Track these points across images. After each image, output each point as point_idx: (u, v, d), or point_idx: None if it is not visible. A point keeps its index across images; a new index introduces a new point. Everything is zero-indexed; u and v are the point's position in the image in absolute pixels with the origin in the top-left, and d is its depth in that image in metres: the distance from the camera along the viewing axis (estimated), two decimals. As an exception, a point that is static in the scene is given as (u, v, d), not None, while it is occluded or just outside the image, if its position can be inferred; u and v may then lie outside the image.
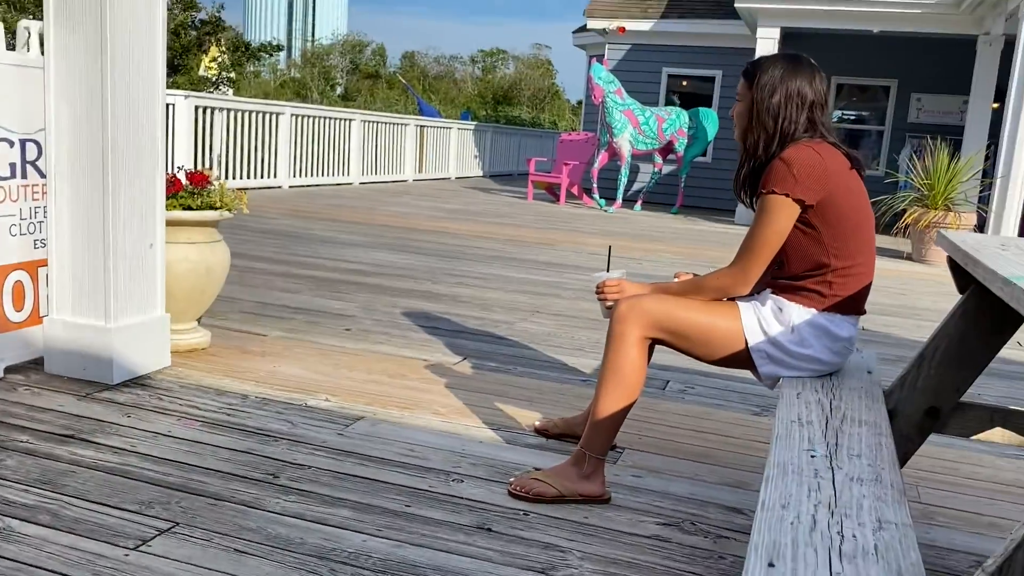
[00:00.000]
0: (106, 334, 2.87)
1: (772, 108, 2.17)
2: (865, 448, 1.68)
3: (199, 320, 3.51)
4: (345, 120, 12.70)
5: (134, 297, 2.97)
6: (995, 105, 10.81)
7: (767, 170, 2.14)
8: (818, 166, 2.08)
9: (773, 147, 2.18)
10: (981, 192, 9.30)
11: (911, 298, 6.09)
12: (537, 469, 2.38)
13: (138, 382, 2.93)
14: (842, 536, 1.28)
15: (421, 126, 15.07)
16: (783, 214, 2.11)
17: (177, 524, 1.96)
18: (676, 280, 2.35)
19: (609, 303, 2.34)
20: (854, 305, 2.18)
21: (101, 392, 2.81)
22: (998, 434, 2.19)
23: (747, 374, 3.54)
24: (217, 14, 14.45)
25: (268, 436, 2.54)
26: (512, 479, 2.31)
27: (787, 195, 2.09)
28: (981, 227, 8.96)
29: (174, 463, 2.30)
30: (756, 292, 2.38)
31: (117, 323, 2.90)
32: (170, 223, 3.17)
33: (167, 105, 9.22)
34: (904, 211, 8.59)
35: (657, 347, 2.33)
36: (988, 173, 9.19)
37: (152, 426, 2.55)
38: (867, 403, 1.98)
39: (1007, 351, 4.43)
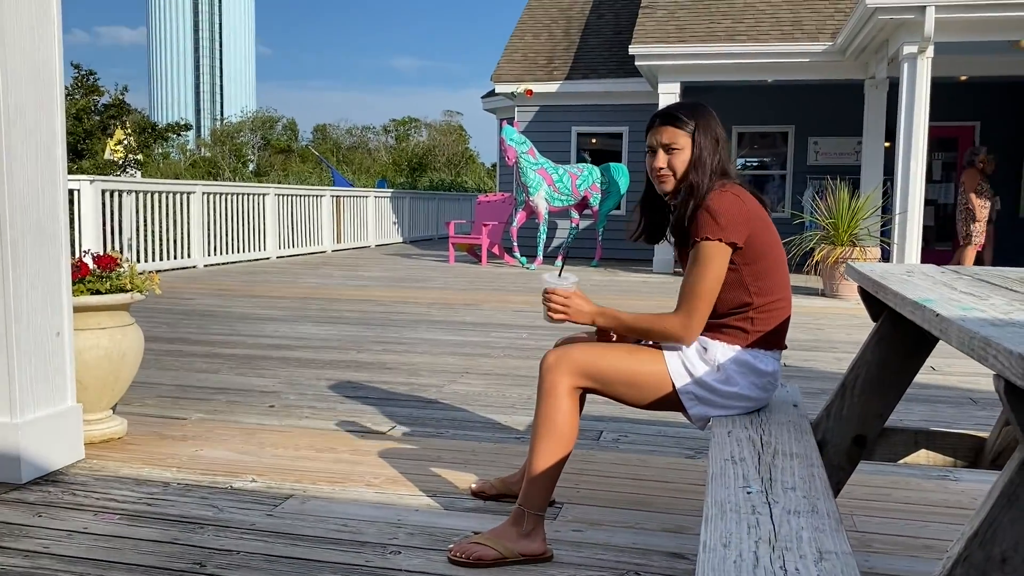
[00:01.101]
0: (12, 431, 2.72)
1: (712, 151, 2.21)
2: (799, 480, 1.69)
3: (114, 408, 3.36)
4: (259, 195, 12.57)
5: (42, 389, 2.82)
6: (887, 144, 11.39)
7: (695, 218, 2.16)
8: (741, 208, 2.14)
9: (713, 187, 2.21)
10: (883, 227, 9.72)
11: (827, 332, 6.27)
12: (476, 533, 2.33)
13: (50, 478, 2.77)
14: (785, 570, 1.28)
15: (337, 196, 15.02)
16: (719, 259, 2.14)
17: (97, 627, 1.84)
18: (614, 316, 2.30)
19: (556, 317, 2.28)
20: (775, 340, 2.22)
21: (8, 493, 2.64)
22: (923, 456, 2.24)
23: (679, 418, 3.57)
24: (121, 96, 14.21)
25: (192, 523, 2.42)
26: (451, 545, 2.25)
27: (719, 240, 2.12)
28: (886, 260, 9.34)
29: (91, 561, 2.16)
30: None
31: (24, 418, 2.74)
32: (78, 309, 3.05)
33: (72, 191, 9.01)
34: (813, 250, 8.90)
35: (590, 398, 2.32)
36: (887, 208, 9.62)
37: (66, 524, 2.40)
38: (796, 436, 2.01)
39: (923, 376, 4.58)
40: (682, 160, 2.23)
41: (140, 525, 2.40)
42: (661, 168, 2.25)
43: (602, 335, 2.40)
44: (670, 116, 2.25)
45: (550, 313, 2.29)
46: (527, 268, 11.85)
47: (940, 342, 2.17)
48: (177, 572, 2.11)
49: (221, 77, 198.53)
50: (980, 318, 1.31)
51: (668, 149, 2.24)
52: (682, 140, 2.22)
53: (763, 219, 2.19)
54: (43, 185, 2.81)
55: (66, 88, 13.57)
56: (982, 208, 9.88)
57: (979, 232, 9.93)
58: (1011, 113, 13.10)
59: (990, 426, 3.43)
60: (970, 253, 9.97)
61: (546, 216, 11.91)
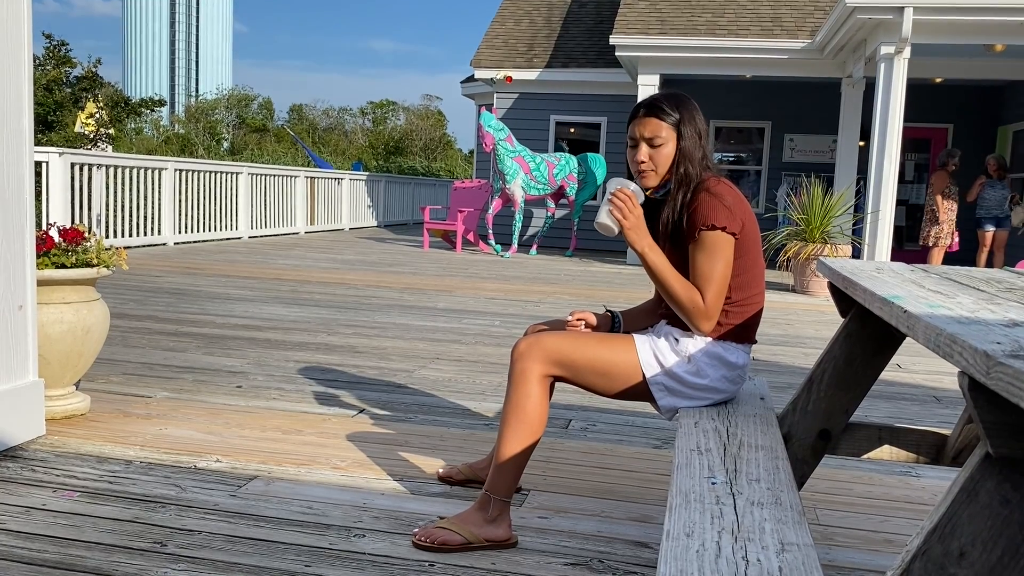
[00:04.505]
0: (-29, 404, 2.66)
1: (698, 143, 2.19)
2: (763, 472, 1.70)
3: (77, 384, 3.31)
4: (232, 173, 12.43)
5: (2, 363, 2.77)
6: (861, 143, 11.49)
7: (694, 208, 2.13)
8: (738, 198, 2.14)
9: (705, 179, 2.18)
10: (855, 225, 9.80)
11: (796, 328, 6.32)
12: (442, 518, 2.32)
13: (8, 454, 2.73)
14: (747, 561, 1.29)
15: (311, 178, 14.89)
16: (726, 247, 2.13)
17: (53, 605, 1.81)
18: (659, 257, 2.19)
19: (616, 215, 2.12)
20: (747, 333, 2.23)
21: (-34, 467, 2.60)
22: (886, 452, 2.27)
23: (647, 408, 3.59)
24: (94, 69, 13.94)
25: (154, 502, 2.39)
26: (416, 529, 2.24)
27: (723, 228, 2.12)
28: (857, 258, 9.41)
29: (49, 538, 2.13)
30: (651, 325, 2.41)
31: (-17, 392, 2.69)
32: (42, 283, 2.99)
33: (40, 163, 8.83)
34: (785, 245, 8.97)
35: (559, 386, 2.32)
36: (859, 207, 9.70)
37: (24, 500, 2.36)
38: (762, 428, 2.02)
39: (888, 374, 4.64)
40: (664, 155, 2.18)
41: (100, 503, 2.37)
42: (643, 162, 2.20)
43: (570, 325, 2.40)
44: (654, 107, 2.19)
45: (612, 210, 2.11)
46: (502, 256, 11.84)
47: (906, 340, 2.19)
48: (137, 551, 2.08)
49: (197, 53, 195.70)
50: (947, 315, 1.32)
51: (651, 143, 2.19)
52: (665, 133, 2.17)
53: (752, 213, 2.20)
54: (7, 155, 2.75)
55: (37, 58, 13.31)
56: (948, 211, 9.97)
57: (946, 234, 10.04)
58: (984, 116, 13.26)
59: (953, 424, 3.48)
60: (937, 255, 10.09)
61: (522, 204, 11.90)
